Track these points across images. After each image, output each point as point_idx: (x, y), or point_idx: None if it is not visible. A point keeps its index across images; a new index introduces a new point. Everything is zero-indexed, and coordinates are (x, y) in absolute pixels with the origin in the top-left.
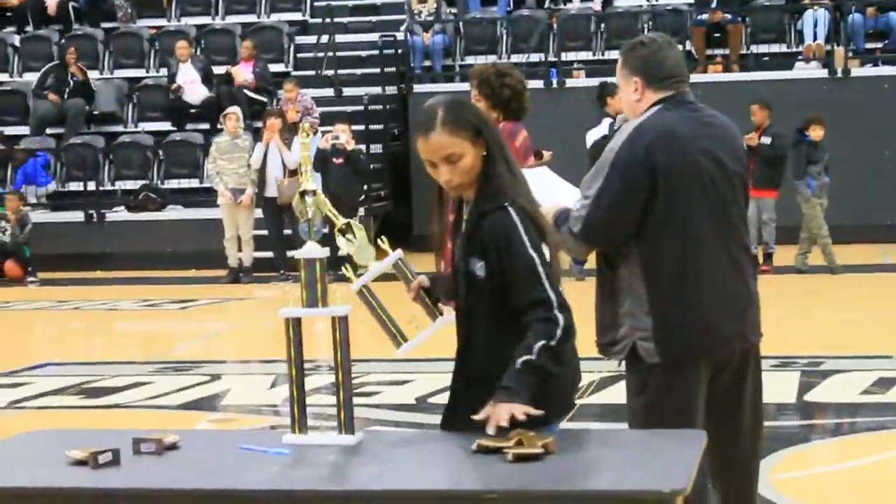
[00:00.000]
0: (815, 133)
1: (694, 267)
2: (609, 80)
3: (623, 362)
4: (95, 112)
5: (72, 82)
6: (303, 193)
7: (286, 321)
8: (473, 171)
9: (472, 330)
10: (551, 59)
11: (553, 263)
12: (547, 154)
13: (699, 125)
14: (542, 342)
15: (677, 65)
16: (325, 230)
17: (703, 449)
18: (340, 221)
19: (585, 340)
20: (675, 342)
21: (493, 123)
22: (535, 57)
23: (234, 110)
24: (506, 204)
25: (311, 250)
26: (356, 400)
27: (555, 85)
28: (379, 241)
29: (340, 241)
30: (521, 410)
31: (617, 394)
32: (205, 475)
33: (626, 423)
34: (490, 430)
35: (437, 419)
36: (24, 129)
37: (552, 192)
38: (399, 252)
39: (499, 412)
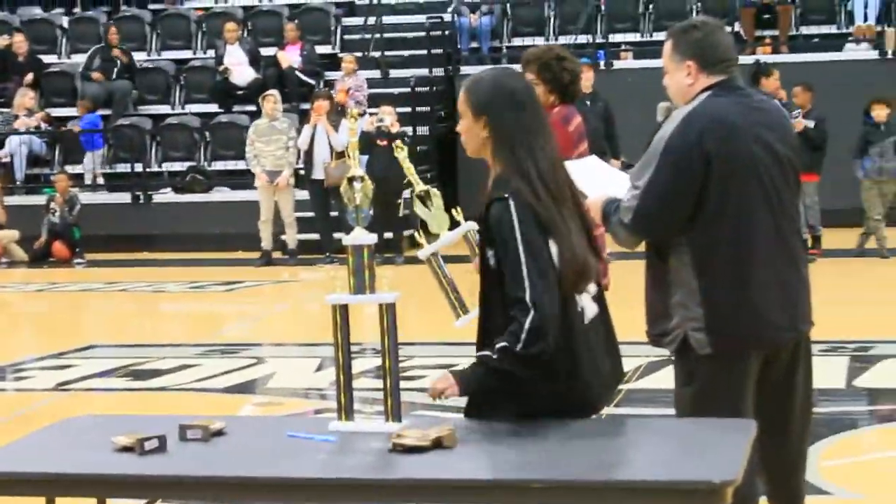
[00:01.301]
0: (878, 114)
1: (747, 257)
2: (761, 58)
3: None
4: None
5: (118, 63)
6: (351, 179)
7: (333, 308)
8: (471, 141)
9: (486, 317)
10: (599, 40)
11: (564, 256)
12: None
13: (750, 111)
14: (505, 344)
15: (729, 48)
16: (372, 213)
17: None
18: (419, 187)
19: (635, 326)
20: (728, 333)
21: (504, 113)
22: (582, 38)
23: (272, 92)
24: (506, 195)
25: (359, 236)
26: (405, 384)
27: (602, 66)
28: (453, 212)
29: (418, 206)
30: (449, 394)
31: (665, 379)
32: (251, 463)
33: (673, 409)
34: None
35: None
36: (72, 111)
37: (600, 181)
38: (472, 224)
39: (435, 386)
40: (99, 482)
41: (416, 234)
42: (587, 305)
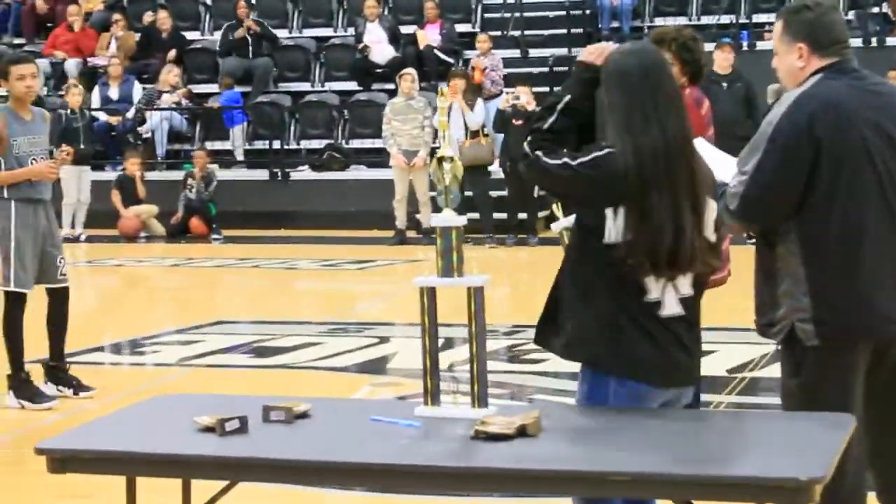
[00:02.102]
0: None
1: (856, 245)
2: None
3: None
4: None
5: (250, 38)
6: (440, 160)
7: (420, 290)
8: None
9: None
10: (742, 20)
11: (629, 236)
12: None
13: (865, 94)
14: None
15: (843, 30)
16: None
17: (853, 434)
18: None
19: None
20: (835, 324)
21: (613, 90)
22: (725, 18)
23: (409, 71)
24: (606, 144)
25: (448, 218)
26: (523, 367)
27: (745, 47)
28: None
29: None
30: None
31: None
32: (331, 446)
33: None
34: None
35: None
36: (214, 87)
37: (710, 164)
38: None
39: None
40: (177, 462)
41: (554, 206)
42: (668, 302)
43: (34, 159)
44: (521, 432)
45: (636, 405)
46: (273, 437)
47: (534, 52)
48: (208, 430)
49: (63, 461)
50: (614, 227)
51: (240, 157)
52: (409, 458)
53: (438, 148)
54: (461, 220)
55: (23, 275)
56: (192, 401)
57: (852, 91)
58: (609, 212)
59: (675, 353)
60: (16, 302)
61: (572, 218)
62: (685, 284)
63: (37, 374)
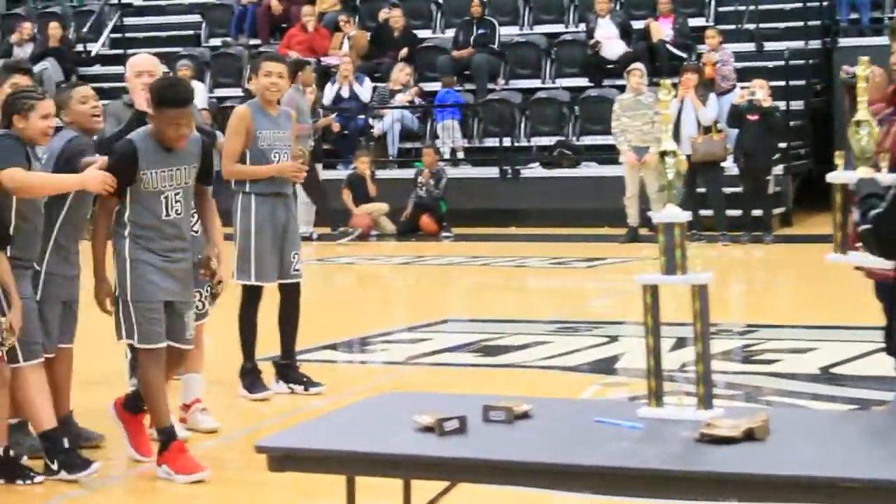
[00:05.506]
0: None
1: None
2: None
3: None
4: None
5: (475, 32)
6: (663, 154)
7: (643, 288)
8: None
9: None
10: None
11: None
12: None
13: None
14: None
15: None
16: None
17: None
18: None
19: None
20: None
21: None
22: None
23: (638, 66)
24: None
25: (671, 214)
26: (756, 368)
27: None
28: None
29: None
30: None
31: None
32: (551, 448)
33: None
34: None
35: (840, 391)
36: (435, 86)
37: None
38: None
39: None
40: (395, 462)
41: None
42: None
43: (277, 153)
44: (749, 436)
45: None
46: (492, 438)
47: (769, 46)
48: (427, 429)
49: (282, 460)
50: None
51: (447, 154)
52: (628, 461)
53: None
54: (685, 216)
55: (261, 269)
56: (410, 400)
57: None
58: None
59: None
60: (252, 295)
61: None
62: None
63: (268, 373)
